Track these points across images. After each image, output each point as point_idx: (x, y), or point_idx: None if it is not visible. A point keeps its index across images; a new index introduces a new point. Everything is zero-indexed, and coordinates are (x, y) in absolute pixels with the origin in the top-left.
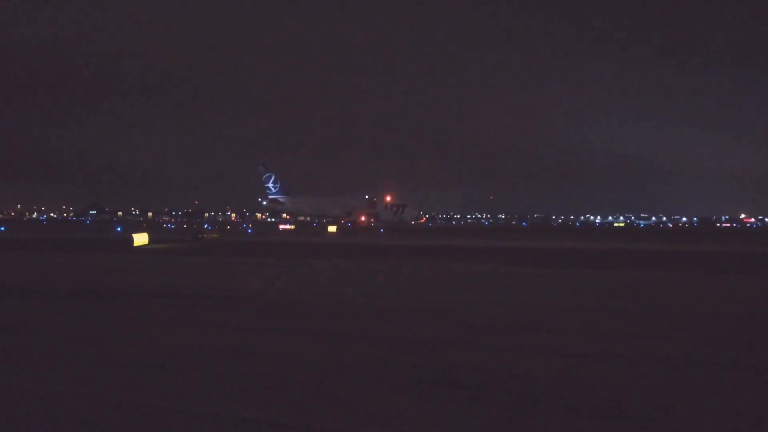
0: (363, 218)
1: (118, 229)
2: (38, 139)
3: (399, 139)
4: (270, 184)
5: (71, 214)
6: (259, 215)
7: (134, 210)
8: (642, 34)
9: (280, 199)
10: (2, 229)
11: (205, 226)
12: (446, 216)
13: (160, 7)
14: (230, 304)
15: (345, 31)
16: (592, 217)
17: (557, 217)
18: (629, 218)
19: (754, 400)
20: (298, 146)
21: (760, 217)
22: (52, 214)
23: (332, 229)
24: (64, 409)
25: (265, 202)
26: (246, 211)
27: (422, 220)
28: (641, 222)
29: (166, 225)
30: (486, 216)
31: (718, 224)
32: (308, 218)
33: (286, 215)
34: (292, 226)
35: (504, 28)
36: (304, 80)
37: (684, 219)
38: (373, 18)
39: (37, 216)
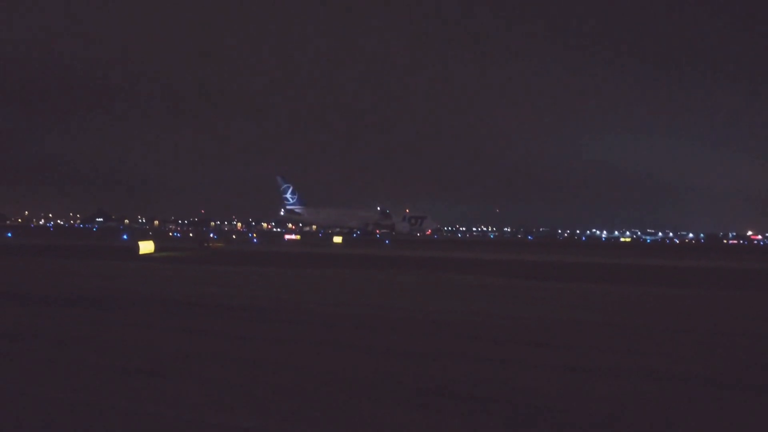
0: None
1: (125, 236)
2: (46, 147)
3: (408, 153)
4: (288, 195)
5: (78, 221)
6: (264, 225)
7: (140, 218)
8: (651, 50)
9: (297, 210)
10: (9, 235)
11: (211, 234)
12: (452, 228)
13: (171, 14)
14: (233, 314)
15: (360, 45)
16: (598, 232)
17: (563, 231)
18: (635, 233)
19: (754, 419)
20: (307, 156)
21: (767, 234)
22: (59, 221)
23: (337, 239)
24: (62, 416)
25: (282, 213)
26: (251, 221)
27: (428, 233)
28: (648, 237)
29: (172, 233)
30: (492, 229)
31: (725, 241)
32: (314, 228)
33: (291, 225)
34: (298, 237)
35: (513, 43)
36: (316, 91)
37: (691, 235)
38: (388, 33)
39: (44, 223)
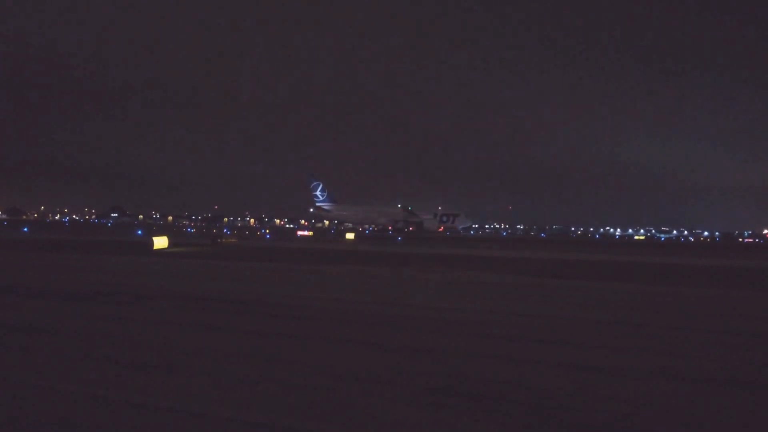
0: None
1: (139, 232)
2: (62, 143)
3: (421, 151)
4: (318, 192)
5: (93, 216)
6: (277, 221)
7: (155, 213)
8: (666, 50)
9: (325, 207)
10: (25, 230)
11: (224, 230)
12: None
13: (191, 12)
14: (245, 309)
15: (381, 47)
16: (611, 230)
17: (576, 229)
18: (650, 231)
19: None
20: (321, 155)
21: None
22: (74, 216)
23: (350, 236)
24: (75, 409)
25: (312, 209)
26: (264, 217)
27: (440, 229)
28: (662, 235)
29: (186, 229)
30: (504, 226)
31: (741, 239)
32: (327, 224)
33: (304, 222)
34: (311, 233)
35: (528, 42)
36: (334, 90)
37: (706, 233)
38: (407, 36)
39: (59, 218)
